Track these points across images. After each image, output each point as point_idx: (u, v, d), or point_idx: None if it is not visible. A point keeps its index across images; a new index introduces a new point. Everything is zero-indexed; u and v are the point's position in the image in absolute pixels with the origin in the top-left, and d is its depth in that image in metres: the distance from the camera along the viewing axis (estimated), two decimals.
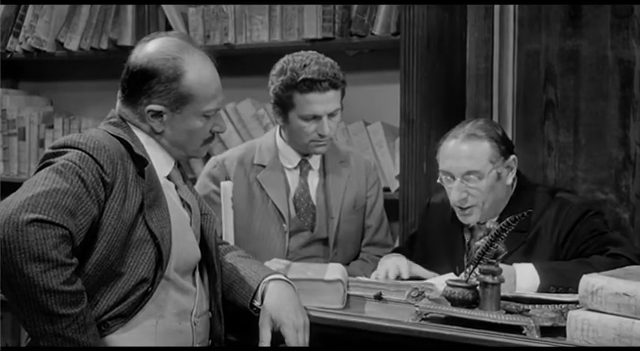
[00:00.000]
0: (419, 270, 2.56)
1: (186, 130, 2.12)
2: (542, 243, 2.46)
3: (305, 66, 2.65)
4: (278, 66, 2.72)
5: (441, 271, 2.53)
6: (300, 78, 2.63)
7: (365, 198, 2.88)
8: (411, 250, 2.77)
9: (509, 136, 3.21)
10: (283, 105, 2.70)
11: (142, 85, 2.07)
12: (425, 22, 3.12)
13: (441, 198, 2.64)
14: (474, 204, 2.48)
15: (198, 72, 2.09)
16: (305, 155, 2.79)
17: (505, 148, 2.50)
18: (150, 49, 2.09)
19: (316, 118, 2.67)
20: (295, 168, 2.80)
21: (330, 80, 2.65)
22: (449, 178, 2.50)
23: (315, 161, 2.82)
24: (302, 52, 2.75)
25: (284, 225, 2.75)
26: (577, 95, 3.14)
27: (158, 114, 2.09)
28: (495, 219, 2.48)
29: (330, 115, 2.69)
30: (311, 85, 2.64)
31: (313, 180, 2.82)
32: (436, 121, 3.17)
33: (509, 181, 2.52)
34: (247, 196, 2.76)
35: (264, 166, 2.78)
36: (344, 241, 2.82)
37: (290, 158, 2.79)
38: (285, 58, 2.73)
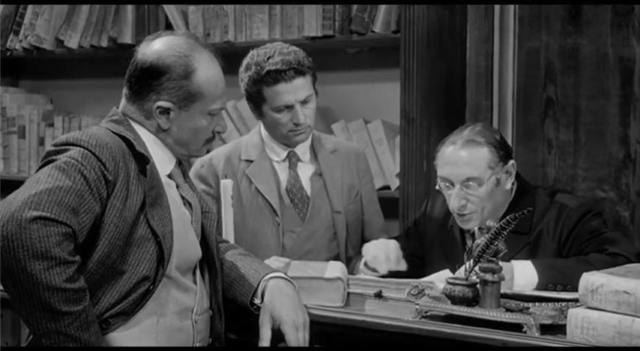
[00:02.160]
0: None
1: (191, 128, 2.12)
2: (545, 245, 2.46)
3: (269, 58, 2.64)
4: (245, 62, 2.71)
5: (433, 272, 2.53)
6: (265, 71, 2.63)
7: (359, 186, 2.86)
8: (407, 243, 2.71)
9: (510, 134, 3.22)
10: (255, 100, 2.70)
11: (151, 81, 2.07)
12: (425, 20, 3.12)
13: (442, 200, 2.62)
14: (474, 210, 2.47)
15: (208, 71, 2.10)
16: (290, 147, 2.78)
17: (504, 153, 2.48)
18: (160, 46, 2.09)
19: (289, 107, 2.66)
20: (284, 160, 2.78)
21: (295, 68, 2.63)
22: (448, 184, 2.48)
23: (303, 152, 2.79)
24: (268, 44, 2.73)
25: (277, 219, 2.74)
26: (577, 93, 3.14)
27: (166, 111, 2.09)
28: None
29: (303, 102, 2.67)
30: (276, 76, 2.63)
31: (304, 171, 2.79)
32: (436, 119, 3.17)
33: (508, 186, 2.51)
34: (237, 192, 2.73)
35: (251, 161, 2.77)
36: (349, 233, 2.81)
37: (277, 151, 2.78)
38: (251, 52, 2.72)
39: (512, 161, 2.51)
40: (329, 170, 2.80)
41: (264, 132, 2.80)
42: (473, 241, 2.46)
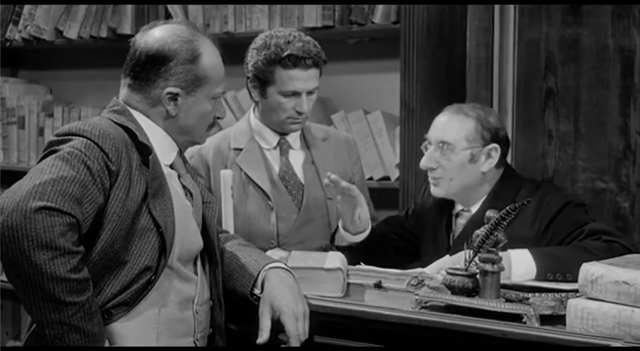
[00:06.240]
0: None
1: (197, 113, 2.14)
2: (523, 232, 2.44)
3: (289, 42, 2.65)
4: (260, 41, 2.70)
5: (425, 256, 2.58)
6: (285, 54, 2.63)
7: (351, 174, 2.86)
8: (407, 221, 2.80)
9: (509, 125, 3.22)
10: (263, 80, 2.69)
11: (159, 67, 2.08)
12: (425, 11, 3.11)
13: None
14: (441, 176, 2.54)
15: (211, 55, 2.13)
16: (282, 134, 2.77)
17: (489, 136, 2.52)
18: (163, 33, 2.11)
19: (296, 94, 2.67)
20: (275, 148, 2.78)
21: (314, 58, 2.65)
22: (427, 144, 2.58)
23: (294, 140, 2.79)
24: (281, 29, 2.74)
25: (269, 203, 2.72)
26: (577, 84, 3.13)
27: (174, 97, 2.10)
28: (478, 207, 2.53)
29: (309, 93, 2.69)
30: (295, 61, 2.64)
31: (296, 158, 2.79)
32: (436, 109, 3.15)
33: (485, 168, 2.53)
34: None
35: (240, 149, 2.77)
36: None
37: (267, 138, 2.77)
38: (267, 33, 2.72)
39: (494, 145, 2.52)
40: (321, 158, 2.80)
41: (253, 120, 2.80)
42: (455, 224, 2.50)
